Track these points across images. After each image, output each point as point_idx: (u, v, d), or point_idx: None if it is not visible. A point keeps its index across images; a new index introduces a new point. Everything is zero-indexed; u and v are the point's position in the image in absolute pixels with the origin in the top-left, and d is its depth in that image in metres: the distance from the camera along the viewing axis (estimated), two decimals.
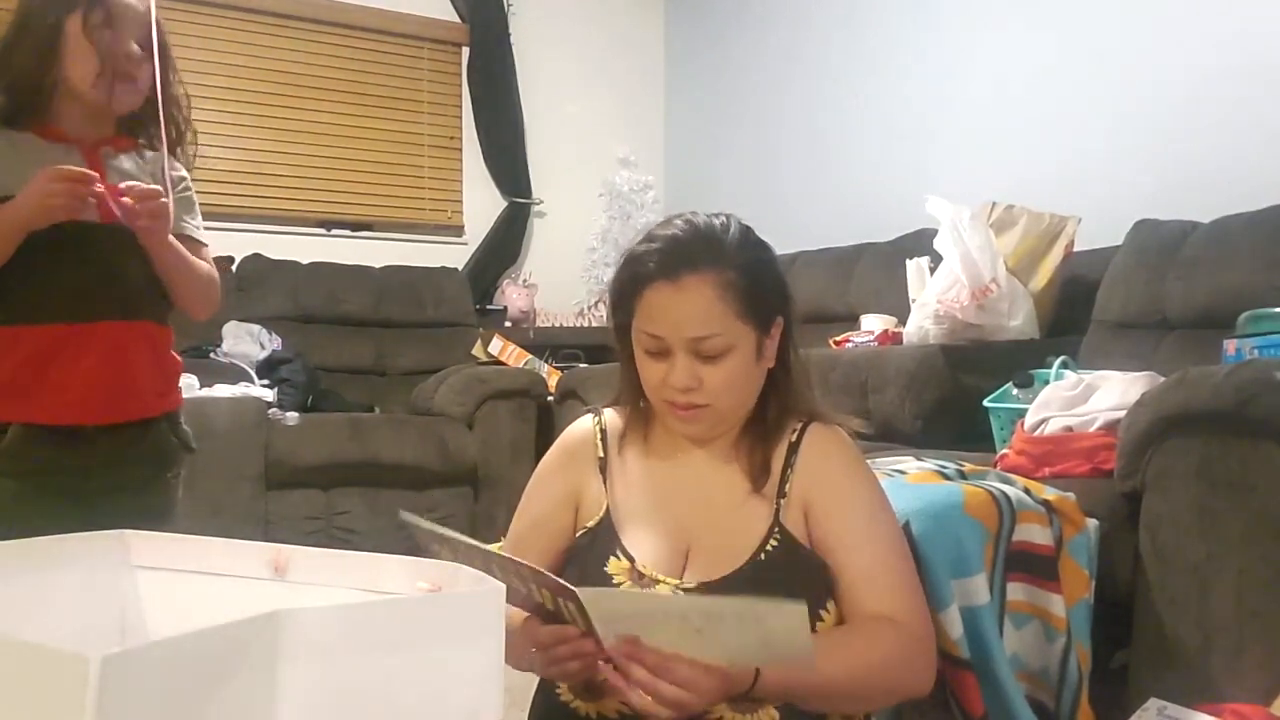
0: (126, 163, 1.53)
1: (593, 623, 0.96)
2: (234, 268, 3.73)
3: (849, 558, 1.13)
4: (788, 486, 1.17)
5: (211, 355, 3.43)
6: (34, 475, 1.44)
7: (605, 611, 0.95)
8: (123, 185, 1.40)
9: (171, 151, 1.55)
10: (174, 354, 1.60)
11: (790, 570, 1.12)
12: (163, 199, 1.42)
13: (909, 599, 1.13)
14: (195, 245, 1.57)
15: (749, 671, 1.01)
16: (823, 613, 1.11)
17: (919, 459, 1.74)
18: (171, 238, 1.48)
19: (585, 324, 4.44)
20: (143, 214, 1.40)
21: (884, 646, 1.08)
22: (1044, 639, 1.48)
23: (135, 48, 1.47)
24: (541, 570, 0.96)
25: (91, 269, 1.45)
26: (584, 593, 0.94)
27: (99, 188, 1.38)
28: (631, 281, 1.14)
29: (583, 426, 1.30)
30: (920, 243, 3.01)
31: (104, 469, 1.48)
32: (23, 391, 1.43)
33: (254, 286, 3.73)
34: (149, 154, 1.56)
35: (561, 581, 0.95)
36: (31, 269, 1.41)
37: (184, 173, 1.60)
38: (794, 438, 1.20)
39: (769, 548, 1.13)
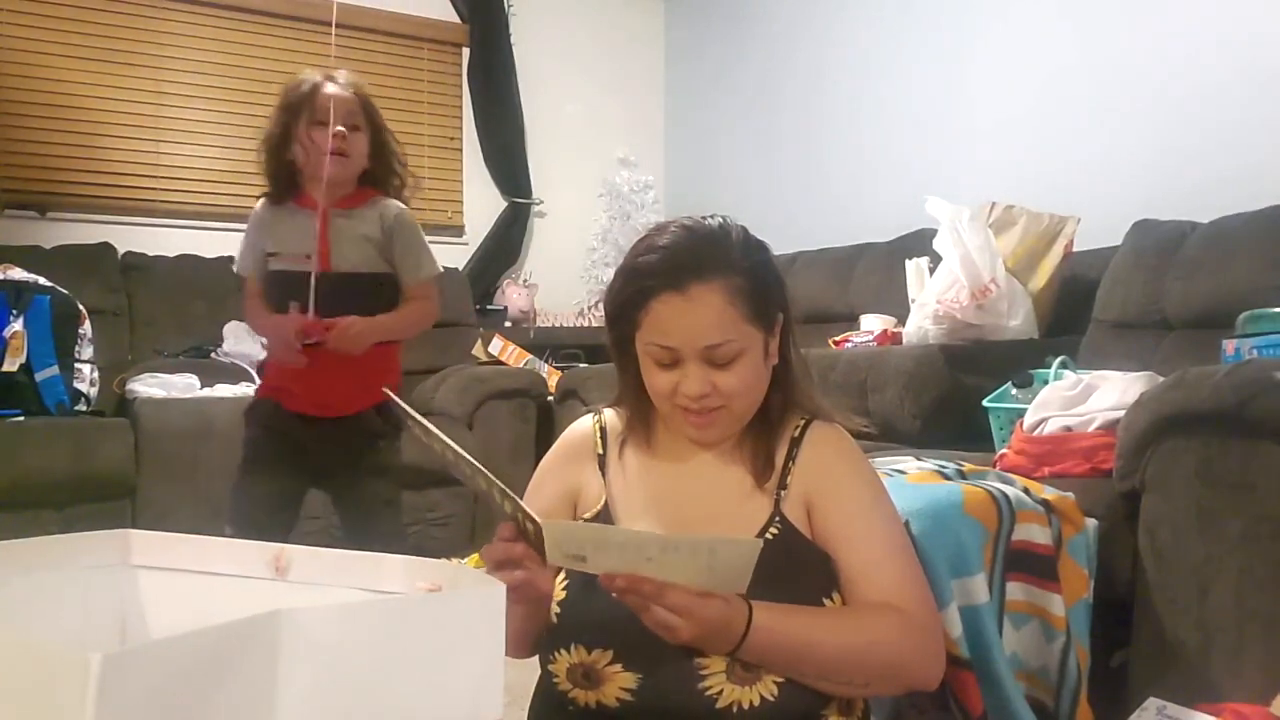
0: (350, 219, 2.00)
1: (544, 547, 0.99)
2: (236, 268, 3.81)
3: (850, 551, 1.13)
4: (789, 479, 1.17)
5: (213, 355, 3.43)
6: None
7: (562, 539, 0.98)
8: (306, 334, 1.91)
9: (399, 196, 2.07)
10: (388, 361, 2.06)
11: (791, 558, 1.12)
12: (343, 334, 1.91)
13: (912, 589, 1.13)
14: (420, 286, 2.05)
15: (741, 617, 1.02)
16: (827, 602, 1.11)
17: (919, 459, 1.74)
18: (376, 328, 1.96)
19: (585, 324, 4.44)
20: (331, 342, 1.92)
21: (882, 626, 1.08)
22: (1043, 638, 1.48)
23: (343, 130, 1.95)
24: (507, 491, 1.00)
25: (328, 308, 1.93)
26: (548, 525, 0.96)
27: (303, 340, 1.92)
28: (636, 295, 1.12)
29: (582, 426, 1.30)
30: (920, 243, 3.01)
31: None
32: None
33: None
34: (381, 203, 2.03)
35: (525, 508, 0.98)
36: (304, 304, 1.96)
37: (405, 221, 2.03)
38: (796, 434, 1.20)
39: (769, 536, 1.13)
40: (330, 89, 1.99)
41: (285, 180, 2.02)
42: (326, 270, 1.95)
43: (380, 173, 2.06)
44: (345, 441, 2.00)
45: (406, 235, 2.04)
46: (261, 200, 2.06)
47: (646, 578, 0.97)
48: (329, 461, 2.02)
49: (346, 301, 1.95)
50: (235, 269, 2.11)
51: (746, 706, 1.05)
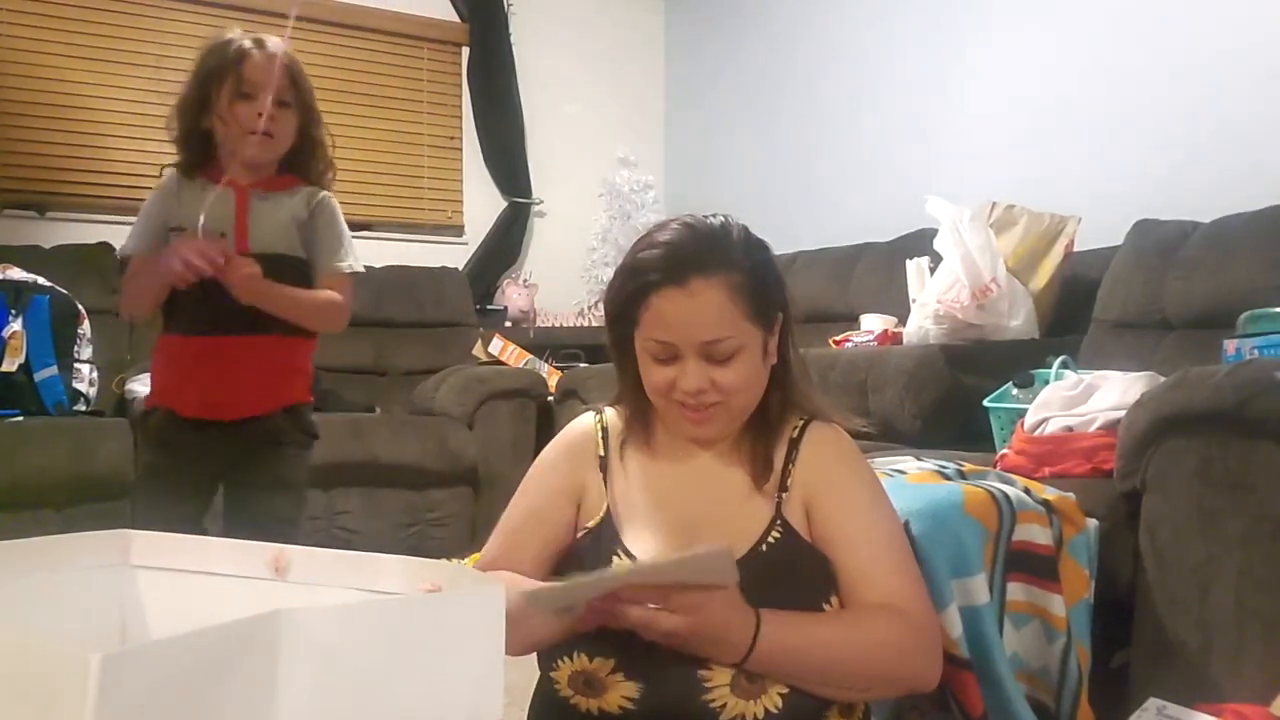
0: (269, 201, 1.81)
1: None
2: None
3: (849, 552, 1.13)
4: (789, 481, 1.17)
5: None
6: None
7: (542, 604, 1.01)
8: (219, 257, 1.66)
9: (321, 184, 1.87)
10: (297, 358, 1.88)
11: (792, 561, 1.12)
12: (249, 269, 1.69)
13: (910, 590, 1.13)
14: (334, 279, 1.85)
15: (749, 624, 1.02)
16: (826, 606, 1.11)
17: (919, 459, 1.74)
18: (278, 288, 1.75)
19: (585, 324, 4.44)
20: (235, 281, 1.69)
21: (883, 628, 1.08)
22: (1044, 639, 1.48)
23: (271, 108, 1.73)
24: None
25: (224, 295, 1.70)
26: (537, 595, 0.99)
27: (216, 257, 1.66)
28: (637, 290, 1.13)
29: (584, 424, 1.30)
30: (920, 243, 3.01)
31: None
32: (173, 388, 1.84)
33: None
34: (305, 188, 1.84)
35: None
36: (197, 292, 1.71)
37: (329, 206, 1.86)
38: (795, 434, 1.20)
39: (770, 539, 1.13)
40: (259, 58, 1.75)
41: (199, 151, 1.80)
42: (245, 251, 1.74)
43: (304, 157, 1.85)
44: (246, 445, 1.80)
45: (329, 223, 1.86)
46: (169, 172, 1.84)
47: (649, 586, 0.97)
48: (228, 464, 1.81)
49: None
50: (121, 250, 1.86)
51: (750, 719, 1.05)
